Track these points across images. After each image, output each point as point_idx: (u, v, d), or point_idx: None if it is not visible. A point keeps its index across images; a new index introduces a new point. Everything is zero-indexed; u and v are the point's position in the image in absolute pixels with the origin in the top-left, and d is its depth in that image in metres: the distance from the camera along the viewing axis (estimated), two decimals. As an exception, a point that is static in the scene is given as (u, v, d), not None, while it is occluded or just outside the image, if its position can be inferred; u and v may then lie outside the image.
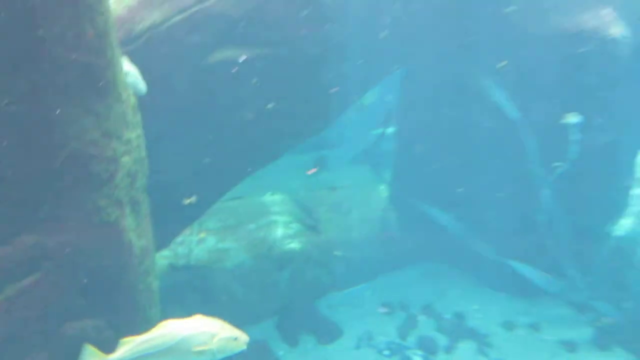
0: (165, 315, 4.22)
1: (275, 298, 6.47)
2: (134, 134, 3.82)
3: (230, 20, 4.36)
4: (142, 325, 3.76)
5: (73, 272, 3.55)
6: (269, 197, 7.39)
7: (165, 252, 6.11)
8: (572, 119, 5.73)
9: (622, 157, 6.34)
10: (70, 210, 3.45)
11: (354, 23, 4.76)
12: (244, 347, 3.39)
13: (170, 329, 3.35)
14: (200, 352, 3.28)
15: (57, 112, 3.15)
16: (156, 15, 4.24)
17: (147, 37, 4.26)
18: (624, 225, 6.24)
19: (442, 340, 6.24)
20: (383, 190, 7.80)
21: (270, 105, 4.60)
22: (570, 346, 6.17)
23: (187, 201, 4.64)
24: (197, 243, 6.52)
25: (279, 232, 6.81)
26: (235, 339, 3.36)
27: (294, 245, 6.71)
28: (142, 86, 4.01)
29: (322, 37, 4.68)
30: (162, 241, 4.92)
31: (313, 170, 6.84)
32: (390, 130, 8.13)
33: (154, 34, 4.26)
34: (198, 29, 4.32)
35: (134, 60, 4.05)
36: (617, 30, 5.71)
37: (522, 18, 5.85)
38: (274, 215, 7.01)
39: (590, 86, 5.82)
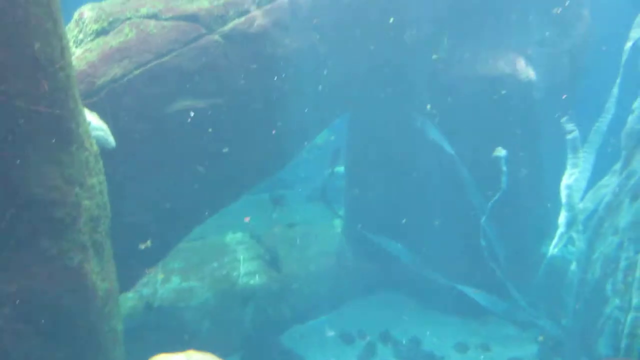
0: (130, 357, 4.12)
1: (240, 333, 6.38)
2: (97, 180, 3.83)
3: (186, 74, 4.50)
4: (107, 365, 3.66)
5: (35, 318, 3.45)
6: (230, 236, 7.39)
7: (130, 294, 5.97)
8: (500, 152, 6.06)
9: (545, 185, 6.71)
10: (32, 255, 3.39)
11: (298, 75, 4.98)
12: None
13: None
14: None
15: (18, 161, 3.14)
16: (116, 69, 4.33)
17: (108, 90, 4.32)
18: (555, 246, 6.52)
19: (400, 365, 6.26)
20: (338, 224, 7.92)
21: (225, 150, 4.69)
22: (517, 362, 6.30)
23: (142, 246, 4.61)
24: (161, 283, 6.41)
25: (241, 269, 6.79)
26: None
27: (256, 281, 6.69)
28: (111, 140, 4.06)
29: (271, 88, 4.87)
30: (127, 283, 4.83)
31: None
32: (340, 168, 8.34)
33: (114, 87, 4.33)
34: (156, 81, 4.43)
35: (96, 111, 4.10)
36: (530, 74, 6.18)
37: (447, 66, 6.26)
38: (235, 253, 7.00)
39: (509, 124, 6.22)
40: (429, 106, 6.16)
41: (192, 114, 4.37)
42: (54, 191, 3.34)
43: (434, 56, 6.07)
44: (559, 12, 6.30)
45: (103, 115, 4.12)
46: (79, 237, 3.58)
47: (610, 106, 6.31)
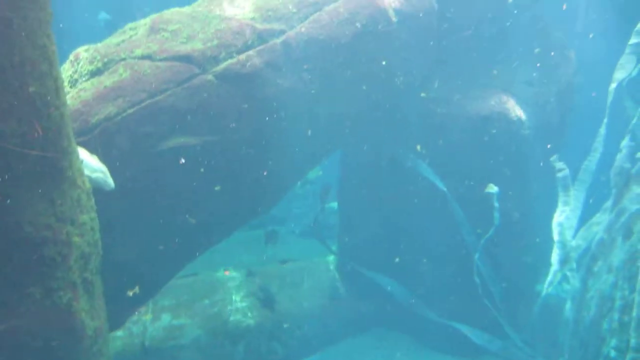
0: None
1: (231, 373, 6.28)
2: (88, 217, 3.85)
3: (179, 112, 4.57)
4: (93, 407, 3.61)
5: (21, 358, 3.42)
6: (222, 273, 7.35)
7: (119, 332, 5.90)
8: (492, 189, 6.15)
9: (537, 222, 6.76)
10: (22, 294, 3.38)
11: (290, 114, 5.09)
12: None
13: None
14: None
15: (8, 201, 3.17)
16: (110, 108, 4.42)
17: (101, 128, 4.40)
18: (549, 284, 6.51)
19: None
20: (331, 261, 7.92)
21: (217, 188, 4.74)
22: (514, 403, 6.19)
23: (130, 292, 4.61)
24: (151, 321, 6.34)
25: (233, 306, 6.73)
26: None
27: (248, 319, 6.62)
28: (110, 182, 4.09)
29: (263, 127, 4.96)
30: (116, 321, 4.79)
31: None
32: (333, 204, 8.38)
33: (108, 125, 4.41)
34: (150, 120, 4.50)
35: (89, 148, 4.16)
36: (519, 113, 6.33)
37: (437, 105, 6.42)
38: (227, 290, 6.95)
39: (500, 162, 6.33)
40: (419, 147, 6.29)
41: (184, 156, 4.43)
42: (45, 229, 3.36)
43: (422, 94, 6.23)
44: (538, 51, 6.53)
45: (96, 153, 4.19)
46: (69, 275, 3.58)
47: (598, 145, 6.43)
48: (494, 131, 6.18)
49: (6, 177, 3.17)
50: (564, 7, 6.96)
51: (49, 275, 3.47)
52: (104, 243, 4.05)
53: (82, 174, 3.88)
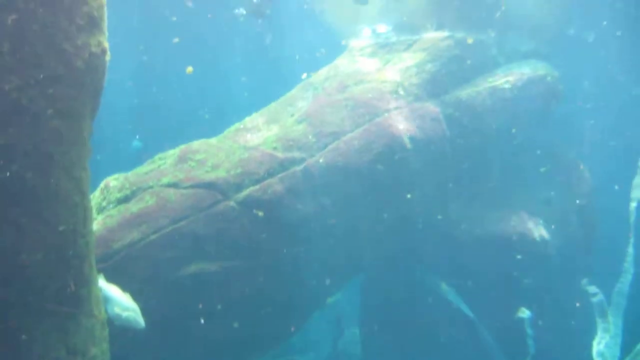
0: None
1: None
2: (99, 350, 3.65)
3: (200, 238, 4.60)
4: None
5: None
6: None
7: None
8: (524, 313, 5.81)
9: (574, 343, 6.30)
10: None
11: (310, 238, 5.06)
12: None
13: None
14: None
15: (23, 337, 3.05)
16: (134, 234, 4.45)
17: (124, 254, 4.39)
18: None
19: None
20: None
21: (235, 325, 4.58)
22: None
23: None
24: None
25: None
26: None
27: None
28: (140, 320, 3.95)
29: (283, 253, 4.91)
30: None
31: None
32: (355, 331, 7.96)
33: (130, 252, 4.41)
34: (171, 246, 4.51)
35: (109, 274, 4.09)
36: (542, 233, 6.23)
37: (457, 228, 6.36)
38: None
39: (527, 285, 6.07)
40: (443, 285, 6.12)
41: (202, 281, 4.34)
42: (54, 364, 3.18)
43: (439, 217, 6.20)
44: (545, 170, 6.62)
45: (116, 279, 4.11)
46: (74, 415, 3.31)
47: (629, 266, 6.20)
48: (518, 254, 6.03)
49: (26, 310, 3.07)
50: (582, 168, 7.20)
51: (52, 416, 3.21)
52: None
53: (99, 302, 3.76)
